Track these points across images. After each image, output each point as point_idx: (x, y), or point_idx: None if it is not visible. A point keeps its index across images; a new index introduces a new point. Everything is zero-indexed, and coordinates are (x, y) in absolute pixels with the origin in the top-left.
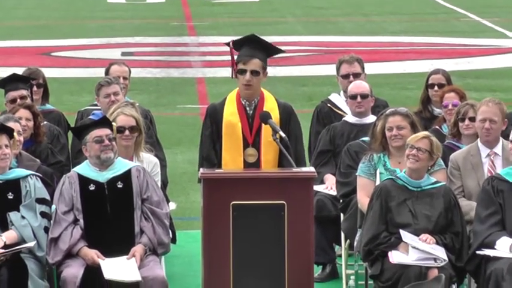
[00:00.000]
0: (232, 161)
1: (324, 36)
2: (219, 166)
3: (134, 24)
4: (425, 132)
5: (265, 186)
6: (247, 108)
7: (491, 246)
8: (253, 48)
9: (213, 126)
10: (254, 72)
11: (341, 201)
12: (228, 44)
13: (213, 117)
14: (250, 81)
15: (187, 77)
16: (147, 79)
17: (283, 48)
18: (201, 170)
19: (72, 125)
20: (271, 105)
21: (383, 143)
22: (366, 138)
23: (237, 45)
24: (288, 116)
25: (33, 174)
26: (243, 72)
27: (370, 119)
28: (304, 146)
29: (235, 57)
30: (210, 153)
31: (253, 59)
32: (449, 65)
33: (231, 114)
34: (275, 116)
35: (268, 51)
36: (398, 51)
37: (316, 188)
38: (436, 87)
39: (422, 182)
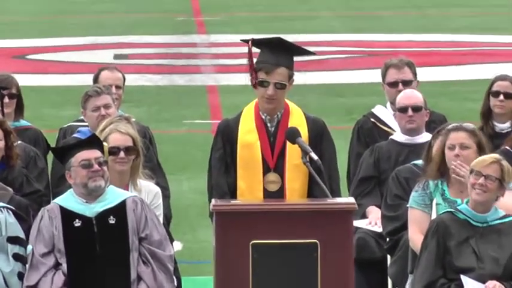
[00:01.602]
0: (249, 189)
1: (366, 35)
2: (233, 196)
3: (130, 19)
4: (495, 155)
5: (293, 222)
6: (268, 124)
7: None
8: (278, 54)
9: (226, 147)
10: (279, 85)
11: (388, 239)
12: (246, 42)
13: (226, 136)
14: (274, 96)
15: (195, 85)
16: (146, 88)
17: (314, 49)
18: (213, 201)
19: (53, 145)
20: (298, 121)
21: (441, 166)
22: (419, 162)
23: (257, 45)
24: (319, 134)
25: (3, 207)
26: (264, 84)
27: (424, 137)
28: (339, 171)
29: (255, 60)
30: (220, 180)
31: (278, 68)
32: None
33: (248, 132)
34: (303, 134)
35: (295, 52)
36: (460, 53)
37: (357, 223)
38: (501, 97)
39: (489, 216)
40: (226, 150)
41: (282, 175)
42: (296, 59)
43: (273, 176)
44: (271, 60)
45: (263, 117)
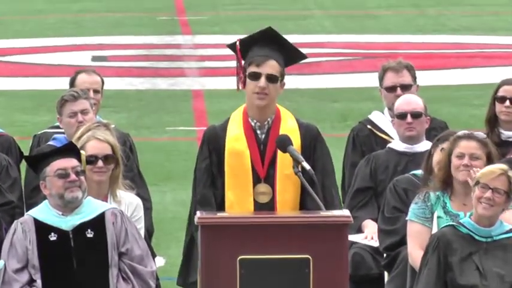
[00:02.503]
0: (238, 201)
1: (361, 35)
2: (220, 209)
3: (109, 19)
4: (502, 167)
5: (284, 236)
6: (258, 131)
7: None
8: (270, 47)
9: (212, 156)
10: (271, 78)
11: (385, 255)
12: (231, 47)
13: (213, 144)
14: (266, 89)
15: (179, 89)
16: (126, 92)
17: (307, 51)
18: (198, 213)
19: (27, 154)
20: (289, 127)
21: (446, 177)
22: (419, 172)
23: (246, 44)
24: (312, 142)
25: None
26: (256, 76)
27: (424, 145)
28: (335, 181)
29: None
30: (206, 192)
31: (270, 60)
32: None
33: (236, 139)
34: (295, 141)
35: (287, 54)
36: (463, 55)
37: (352, 238)
38: (507, 102)
39: (494, 230)
40: (212, 159)
41: (272, 186)
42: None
43: (263, 187)
44: (262, 52)
45: (252, 123)
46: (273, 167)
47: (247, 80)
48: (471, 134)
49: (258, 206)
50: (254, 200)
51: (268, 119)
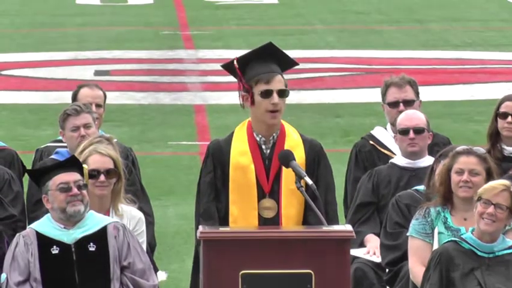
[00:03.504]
0: (243, 216)
1: (364, 51)
2: (223, 223)
3: (112, 33)
4: (504, 182)
5: (286, 251)
6: (263, 146)
7: None
8: (271, 62)
9: (217, 169)
10: (282, 93)
11: (387, 270)
12: (226, 67)
13: (217, 158)
14: (279, 105)
15: (182, 104)
16: (129, 106)
17: (309, 66)
18: (201, 228)
19: (29, 167)
20: (294, 142)
21: (446, 192)
22: (421, 187)
23: (244, 62)
24: (316, 157)
25: None
26: (268, 93)
27: (426, 161)
28: (336, 197)
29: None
30: (210, 206)
31: (277, 75)
32: None
33: (241, 154)
34: (299, 156)
35: (284, 66)
36: (465, 71)
37: (354, 252)
38: (509, 118)
39: (496, 246)
40: (217, 173)
41: (278, 201)
42: (290, 76)
43: (268, 202)
44: (268, 69)
45: (257, 138)
46: (278, 182)
47: (258, 98)
48: (470, 150)
49: (263, 221)
50: (259, 214)
51: (274, 134)
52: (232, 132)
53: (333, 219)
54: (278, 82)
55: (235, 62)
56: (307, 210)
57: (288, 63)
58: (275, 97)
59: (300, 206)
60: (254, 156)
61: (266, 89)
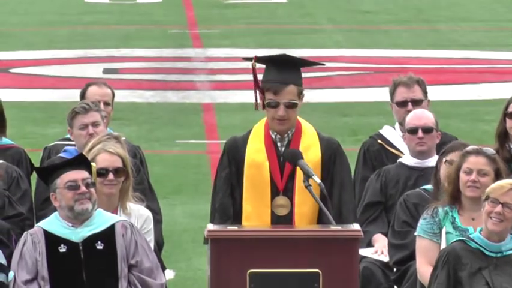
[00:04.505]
0: (256, 213)
1: (372, 50)
2: (236, 220)
3: (120, 31)
4: None
5: (293, 250)
6: (278, 144)
7: None
8: (285, 71)
9: (232, 166)
10: (289, 104)
11: (395, 270)
12: (249, 60)
13: (233, 155)
14: (285, 117)
15: (190, 102)
16: (137, 105)
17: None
18: (208, 226)
19: (37, 165)
20: (310, 141)
21: (454, 191)
22: (429, 186)
23: (263, 62)
24: (332, 156)
25: None
26: (273, 104)
27: (435, 160)
28: (354, 197)
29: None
30: (225, 202)
31: (287, 86)
32: None
33: (256, 151)
34: (315, 154)
35: (302, 66)
36: (474, 71)
37: (362, 252)
38: None
39: (504, 245)
40: (232, 169)
41: (291, 198)
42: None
43: (282, 200)
44: (278, 79)
45: (273, 136)
46: (292, 179)
47: (267, 107)
48: (480, 150)
49: (276, 219)
50: (272, 212)
51: (289, 132)
52: (250, 130)
53: (347, 219)
54: (287, 94)
55: (253, 61)
56: (321, 209)
57: (307, 65)
58: (281, 109)
59: (313, 204)
60: (269, 153)
61: (273, 100)
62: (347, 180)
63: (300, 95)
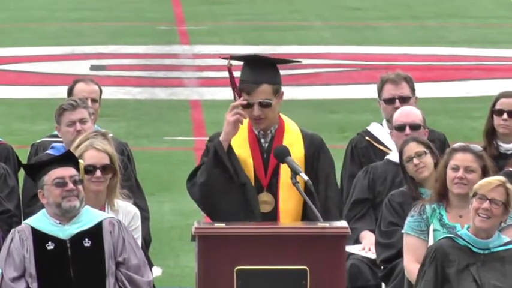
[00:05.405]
0: None
1: (360, 47)
2: (220, 216)
3: (108, 28)
4: (500, 178)
5: (281, 247)
6: (262, 140)
7: None
8: (258, 70)
9: None
10: (264, 104)
11: (382, 267)
12: (225, 59)
13: None
14: (261, 115)
15: (177, 99)
16: (125, 101)
17: (305, 62)
18: (195, 224)
19: (25, 162)
20: (293, 137)
21: (441, 188)
22: None
23: (238, 60)
24: (316, 152)
25: None
26: (248, 105)
27: None
28: (339, 192)
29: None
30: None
31: (260, 85)
32: None
33: (239, 146)
34: (299, 151)
35: (276, 63)
36: (461, 68)
37: (350, 249)
38: (505, 115)
39: (491, 242)
40: None
41: (275, 195)
42: (286, 72)
43: (266, 196)
44: (251, 79)
45: (256, 132)
46: (276, 176)
47: (242, 107)
48: (467, 147)
49: (261, 216)
50: None
51: (272, 129)
52: None
53: (334, 215)
54: (260, 93)
55: (229, 62)
56: (306, 206)
57: (281, 62)
58: (255, 109)
59: (298, 201)
60: (252, 149)
61: (247, 101)
62: (331, 175)
63: (276, 93)
